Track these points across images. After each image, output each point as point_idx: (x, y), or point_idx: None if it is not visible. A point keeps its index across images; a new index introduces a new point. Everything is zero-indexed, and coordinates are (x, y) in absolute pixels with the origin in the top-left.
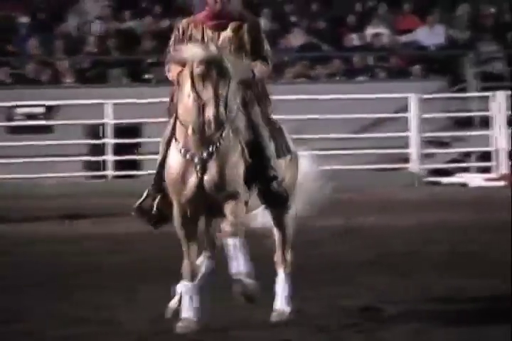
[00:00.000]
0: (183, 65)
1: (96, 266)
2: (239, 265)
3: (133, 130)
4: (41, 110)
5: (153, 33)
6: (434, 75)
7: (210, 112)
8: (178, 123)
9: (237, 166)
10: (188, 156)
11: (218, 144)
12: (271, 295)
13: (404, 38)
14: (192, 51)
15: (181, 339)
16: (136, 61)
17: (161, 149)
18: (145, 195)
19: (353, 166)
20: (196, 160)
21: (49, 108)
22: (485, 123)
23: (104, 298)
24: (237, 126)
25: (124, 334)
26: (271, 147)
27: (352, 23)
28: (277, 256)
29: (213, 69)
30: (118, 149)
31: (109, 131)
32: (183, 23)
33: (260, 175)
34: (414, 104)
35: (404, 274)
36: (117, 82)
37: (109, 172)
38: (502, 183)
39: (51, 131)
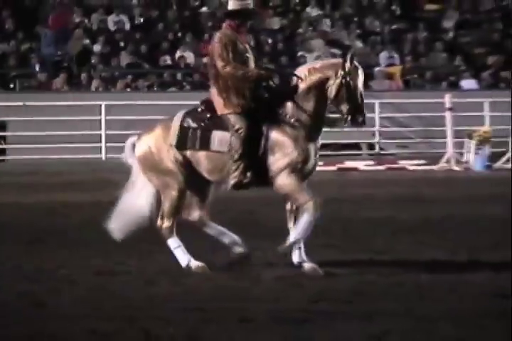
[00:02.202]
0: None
1: None
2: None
3: (1, 126)
4: None
5: (17, 53)
6: None
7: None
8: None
9: None
10: (311, 141)
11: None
12: None
13: (204, 60)
14: None
15: (115, 291)
16: (4, 74)
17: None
18: (238, 169)
19: None
20: (317, 145)
21: None
22: None
23: None
24: None
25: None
26: None
27: (165, 48)
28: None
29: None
30: None
31: None
32: (228, 33)
33: None
34: None
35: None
36: None
37: None
38: None
39: None
